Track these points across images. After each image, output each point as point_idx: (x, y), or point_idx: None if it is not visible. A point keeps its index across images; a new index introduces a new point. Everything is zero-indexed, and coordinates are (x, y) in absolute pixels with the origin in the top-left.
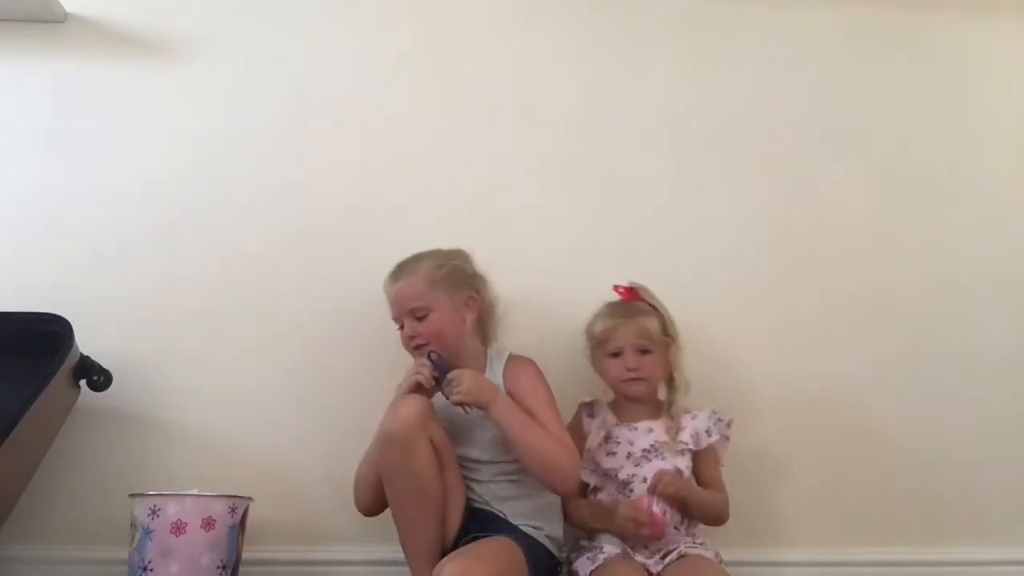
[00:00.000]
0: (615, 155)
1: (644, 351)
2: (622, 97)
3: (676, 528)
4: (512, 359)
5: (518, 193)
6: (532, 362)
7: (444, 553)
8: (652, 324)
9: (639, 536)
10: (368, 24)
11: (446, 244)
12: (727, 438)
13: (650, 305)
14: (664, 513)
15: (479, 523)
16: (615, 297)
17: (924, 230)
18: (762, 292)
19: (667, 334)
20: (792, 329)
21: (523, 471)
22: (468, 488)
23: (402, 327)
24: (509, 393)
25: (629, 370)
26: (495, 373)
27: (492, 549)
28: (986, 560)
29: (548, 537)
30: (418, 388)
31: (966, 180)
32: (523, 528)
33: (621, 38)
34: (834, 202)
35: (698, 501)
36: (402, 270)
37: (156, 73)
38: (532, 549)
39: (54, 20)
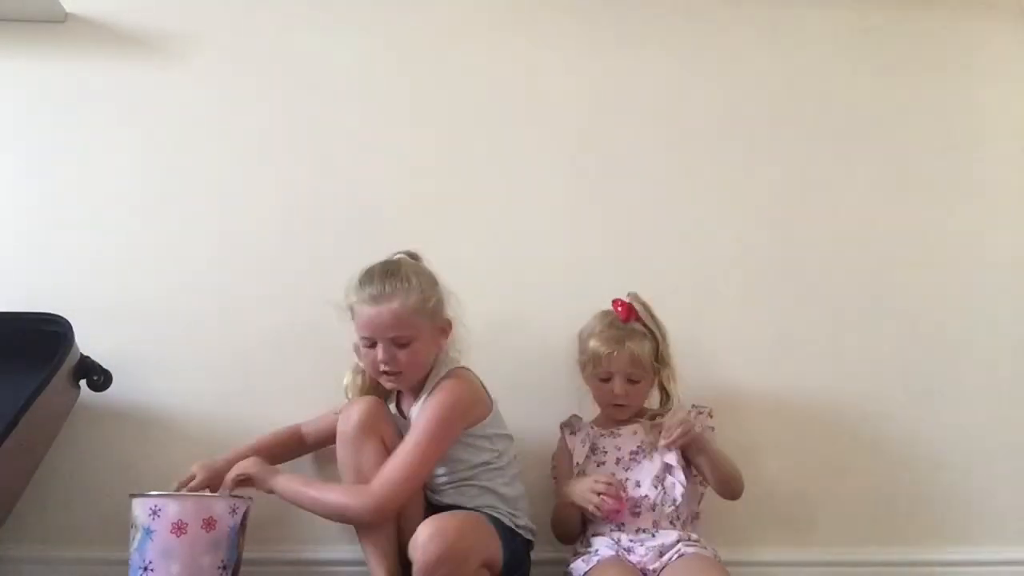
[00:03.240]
0: (615, 156)
1: (634, 381)
2: (622, 99)
3: (672, 523)
4: (439, 383)
5: (517, 196)
6: (451, 390)
7: (404, 551)
8: (645, 351)
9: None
10: (369, 26)
11: (440, 249)
12: (712, 428)
13: (646, 327)
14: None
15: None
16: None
17: (923, 231)
18: (760, 292)
19: (659, 359)
20: (790, 329)
21: (472, 478)
22: (427, 492)
23: (372, 346)
24: None
25: (616, 395)
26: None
27: (463, 513)
28: (983, 560)
29: (515, 524)
30: None
31: (966, 181)
32: (486, 511)
33: (621, 41)
34: (834, 203)
35: (714, 452)
36: (390, 293)
37: (156, 73)
38: (499, 525)
39: (54, 20)
